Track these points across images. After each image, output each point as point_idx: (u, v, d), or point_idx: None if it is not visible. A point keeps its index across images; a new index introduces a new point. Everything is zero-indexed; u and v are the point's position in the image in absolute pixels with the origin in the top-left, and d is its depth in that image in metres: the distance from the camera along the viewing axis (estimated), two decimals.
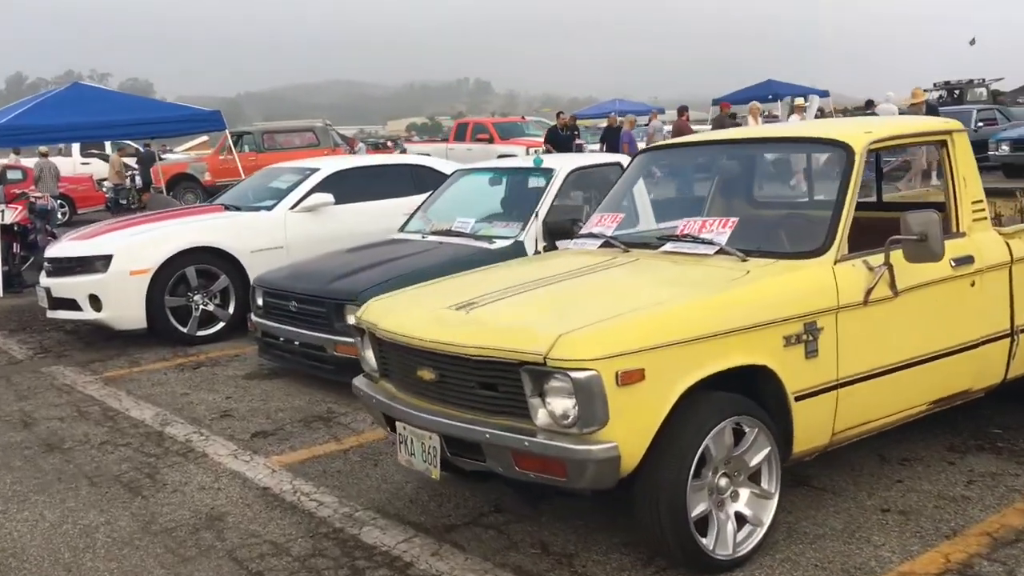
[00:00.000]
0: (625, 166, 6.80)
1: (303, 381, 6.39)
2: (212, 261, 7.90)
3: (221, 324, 7.99)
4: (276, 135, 23.46)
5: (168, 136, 16.99)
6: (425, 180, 9.18)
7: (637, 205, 5.13)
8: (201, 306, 7.88)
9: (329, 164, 8.90)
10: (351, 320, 5.59)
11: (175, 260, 7.70)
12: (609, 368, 3.04)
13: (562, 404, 3.12)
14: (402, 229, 7.35)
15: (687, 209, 4.84)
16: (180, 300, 7.78)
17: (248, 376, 6.72)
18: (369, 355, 4.07)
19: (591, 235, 4.50)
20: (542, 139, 20.06)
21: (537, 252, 6.25)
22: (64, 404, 6.25)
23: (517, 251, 6.24)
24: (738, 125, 19.00)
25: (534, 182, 7.02)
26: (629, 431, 3.10)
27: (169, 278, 7.69)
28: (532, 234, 6.32)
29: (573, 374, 3.03)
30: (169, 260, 7.67)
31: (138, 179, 25.40)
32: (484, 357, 3.26)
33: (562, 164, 6.68)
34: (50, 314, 8.00)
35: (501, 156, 19.82)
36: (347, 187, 8.61)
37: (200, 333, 7.90)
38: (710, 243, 3.88)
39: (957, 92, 35.43)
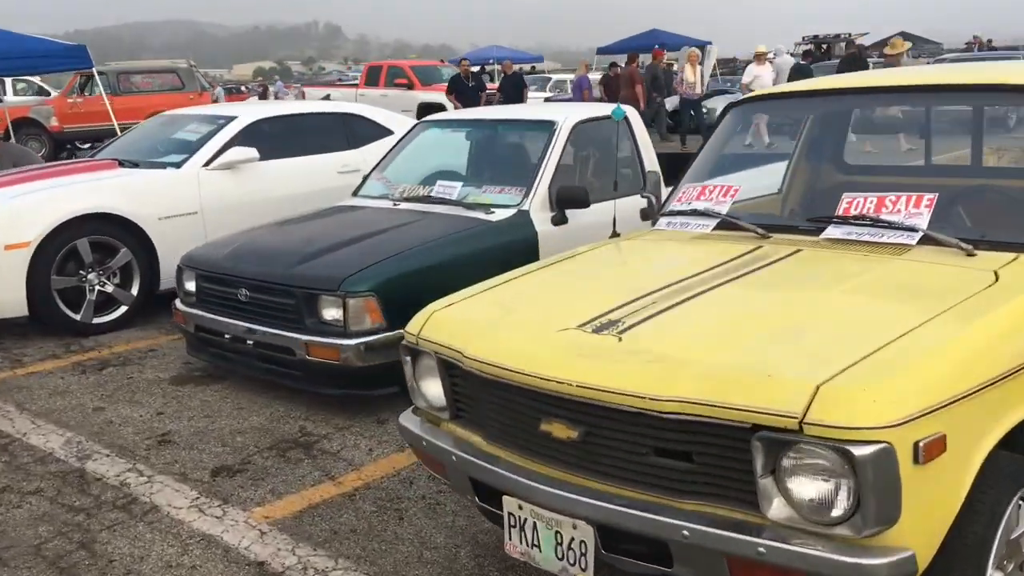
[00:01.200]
0: (630, 118, 5.75)
1: (252, 387, 5.08)
2: (110, 231, 6.36)
3: (123, 308, 6.48)
4: (134, 76, 21.06)
5: (24, 74, 14.66)
6: (359, 132, 7.86)
7: (741, 172, 4.07)
8: (97, 287, 6.35)
9: (247, 111, 7.40)
10: (331, 315, 4.39)
11: (63, 230, 6.13)
12: (905, 437, 1.99)
13: (817, 489, 2.06)
14: (357, 193, 6.05)
15: (831, 180, 3.82)
16: (71, 280, 6.23)
17: (176, 381, 5.33)
18: (431, 388, 2.88)
19: (695, 212, 3.41)
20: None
21: (547, 225, 5.11)
22: None
23: (522, 224, 5.08)
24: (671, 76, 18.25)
25: (526, 138, 5.85)
26: (922, 528, 2.07)
27: (56, 253, 6.12)
28: (539, 202, 5.17)
29: (853, 448, 1.96)
30: (55, 231, 6.10)
31: None
32: (690, 416, 2.15)
33: (564, 116, 5.52)
34: None
35: (424, 105, 18.26)
36: (269, 140, 7.17)
37: (97, 320, 6.38)
38: (909, 229, 2.86)
39: (825, 46, 35.87)
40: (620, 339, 2.41)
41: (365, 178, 6.15)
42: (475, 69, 18.51)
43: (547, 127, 5.48)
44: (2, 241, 5.94)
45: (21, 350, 6.06)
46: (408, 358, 2.94)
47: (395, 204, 5.54)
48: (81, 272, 6.27)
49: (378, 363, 4.44)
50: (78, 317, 6.28)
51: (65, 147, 21.85)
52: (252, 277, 4.79)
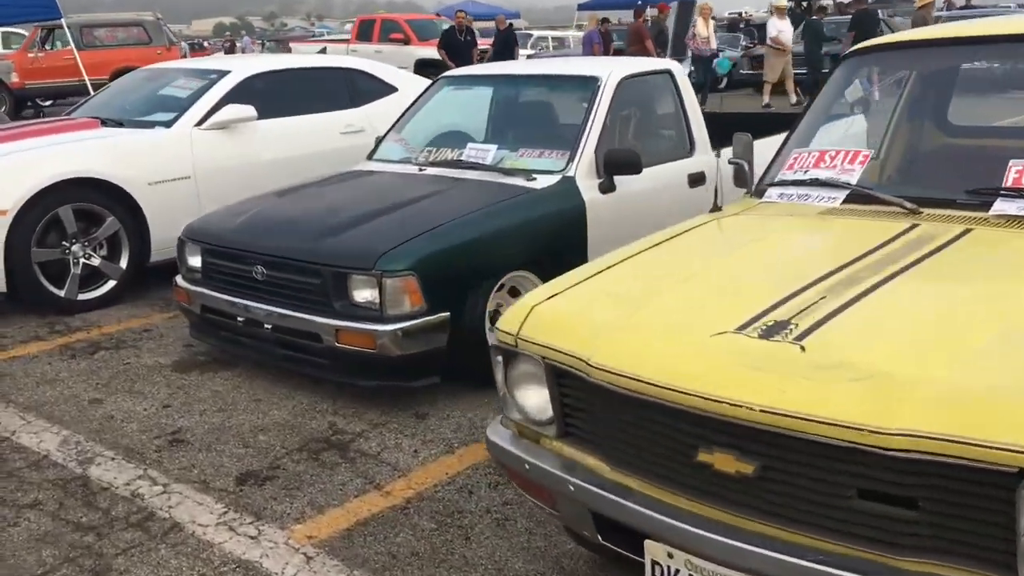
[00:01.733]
0: (675, 73, 5.24)
1: (268, 375, 4.55)
2: (95, 198, 5.75)
3: (111, 283, 5.89)
4: (97, 30, 20.04)
5: None
6: (362, 89, 7.28)
7: (859, 133, 3.58)
8: (82, 259, 5.75)
9: (242, 65, 6.77)
10: (364, 296, 3.87)
11: (44, 197, 5.51)
12: None
13: None
14: (373, 157, 5.48)
15: (936, 142, 3.34)
16: (53, 252, 5.62)
17: (180, 367, 4.78)
18: (531, 398, 2.38)
19: (816, 182, 2.91)
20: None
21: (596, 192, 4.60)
22: None
23: (569, 191, 4.55)
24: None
25: (564, 96, 5.31)
26: None
27: (36, 222, 5.51)
28: (585, 167, 4.64)
29: None
30: (35, 197, 5.47)
31: None
32: (922, 454, 1.67)
33: (608, 70, 4.98)
34: None
35: (421, 61, 17.40)
36: (266, 97, 6.56)
37: (83, 296, 5.79)
38: None
39: (805, 3, 35.31)
40: (802, 348, 1.92)
41: (380, 139, 5.58)
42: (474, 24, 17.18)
43: (590, 84, 4.93)
44: None
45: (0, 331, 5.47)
46: (500, 360, 2.43)
47: (420, 169, 4.98)
48: (64, 243, 5.67)
49: (418, 351, 3.93)
50: (62, 293, 5.68)
51: (27, 104, 20.86)
52: (270, 253, 4.23)
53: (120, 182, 5.79)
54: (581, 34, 26.32)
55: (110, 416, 4.17)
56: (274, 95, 6.67)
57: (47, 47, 20.07)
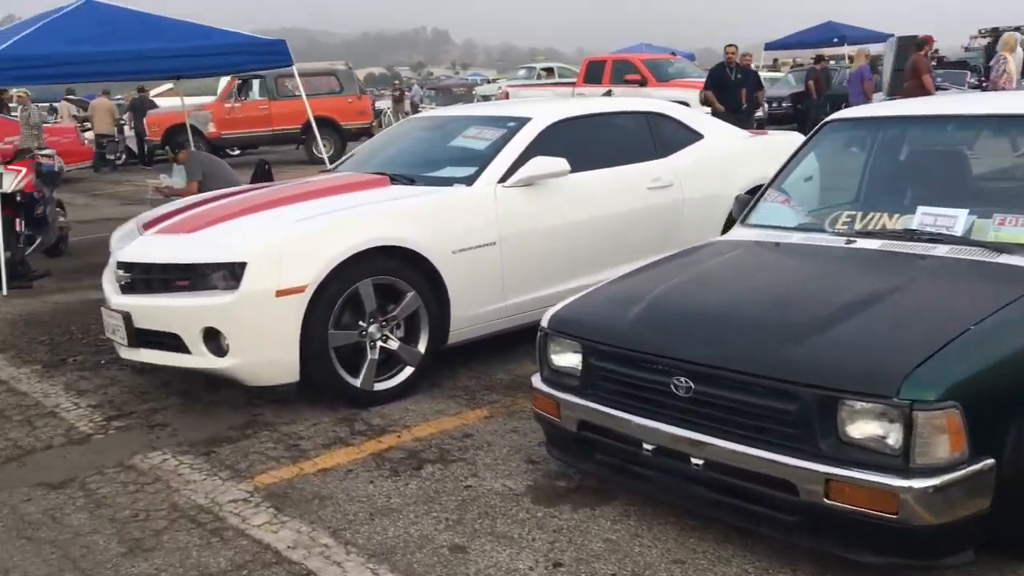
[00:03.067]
0: None
1: (670, 516, 3.41)
2: (398, 270, 4.83)
3: (407, 370, 4.93)
4: (291, 80, 19.91)
5: (214, 74, 13.51)
6: (666, 137, 6.20)
7: None
8: (379, 342, 4.82)
9: (542, 111, 5.78)
10: (869, 432, 2.71)
11: (345, 269, 4.62)
12: None
13: None
14: (748, 222, 4.34)
15: None
16: (350, 334, 4.71)
17: (540, 497, 3.69)
18: None
19: None
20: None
21: None
22: (238, 560, 3.21)
23: None
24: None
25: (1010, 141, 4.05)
26: None
27: (336, 299, 4.61)
28: None
29: None
30: (336, 270, 4.59)
31: (127, 129, 22.05)
32: None
33: None
34: (127, 354, 4.88)
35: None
36: (570, 147, 5.53)
37: (379, 386, 4.85)
38: None
39: None
40: None
41: (756, 201, 4.43)
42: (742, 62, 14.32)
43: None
44: (272, 285, 4.45)
45: (291, 428, 4.56)
46: None
47: (848, 242, 3.79)
48: (360, 323, 4.75)
49: (956, 517, 2.71)
50: (357, 383, 4.76)
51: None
52: (703, 361, 3.10)
53: (425, 251, 4.86)
54: (775, 74, 24.86)
55: None
56: (578, 145, 5.65)
57: (242, 97, 20.11)
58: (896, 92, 16.53)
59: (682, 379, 3.14)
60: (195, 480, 3.99)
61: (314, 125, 10.92)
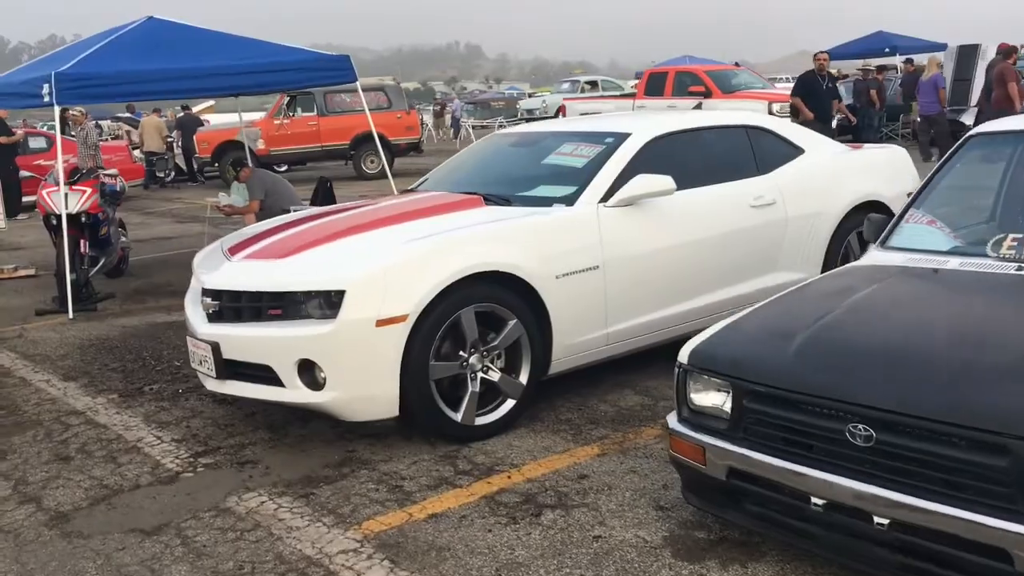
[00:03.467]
0: None
1: (817, 569, 3.07)
2: (498, 296, 4.53)
3: (509, 403, 4.63)
4: (339, 96, 19.83)
5: (285, 89, 13.29)
6: (767, 151, 5.88)
7: None
8: (480, 373, 4.52)
9: (642, 126, 5.47)
10: None
11: (446, 297, 4.33)
12: None
13: None
14: (888, 244, 3.98)
15: None
16: (451, 366, 4.42)
17: (681, 551, 3.35)
18: None
19: None
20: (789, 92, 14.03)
21: None
22: None
23: None
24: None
25: None
26: None
27: (436, 329, 4.32)
28: None
29: None
30: (440, 296, 4.30)
31: (176, 147, 22.06)
32: None
33: None
34: (214, 386, 4.61)
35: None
36: (672, 164, 5.22)
37: (480, 420, 4.55)
38: None
39: None
40: None
41: (896, 221, 4.07)
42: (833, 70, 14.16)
43: None
44: (373, 314, 4.16)
45: (390, 466, 4.27)
46: None
47: (1019, 268, 3.43)
48: (460, 354, 4.45)
49: None
50: (458, 417, 4.45)
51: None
52: (888, 408, 2.75)
53: (529, 276, 4.56)
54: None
55: None
56: (679, 161, 5.34)
57: (291, 113, 20.02)
58: (979, 103, 15.94)
59: (860, 426, 2.80)
60: (298, 527, 3.70)
61: (377, 139, 10.61)
